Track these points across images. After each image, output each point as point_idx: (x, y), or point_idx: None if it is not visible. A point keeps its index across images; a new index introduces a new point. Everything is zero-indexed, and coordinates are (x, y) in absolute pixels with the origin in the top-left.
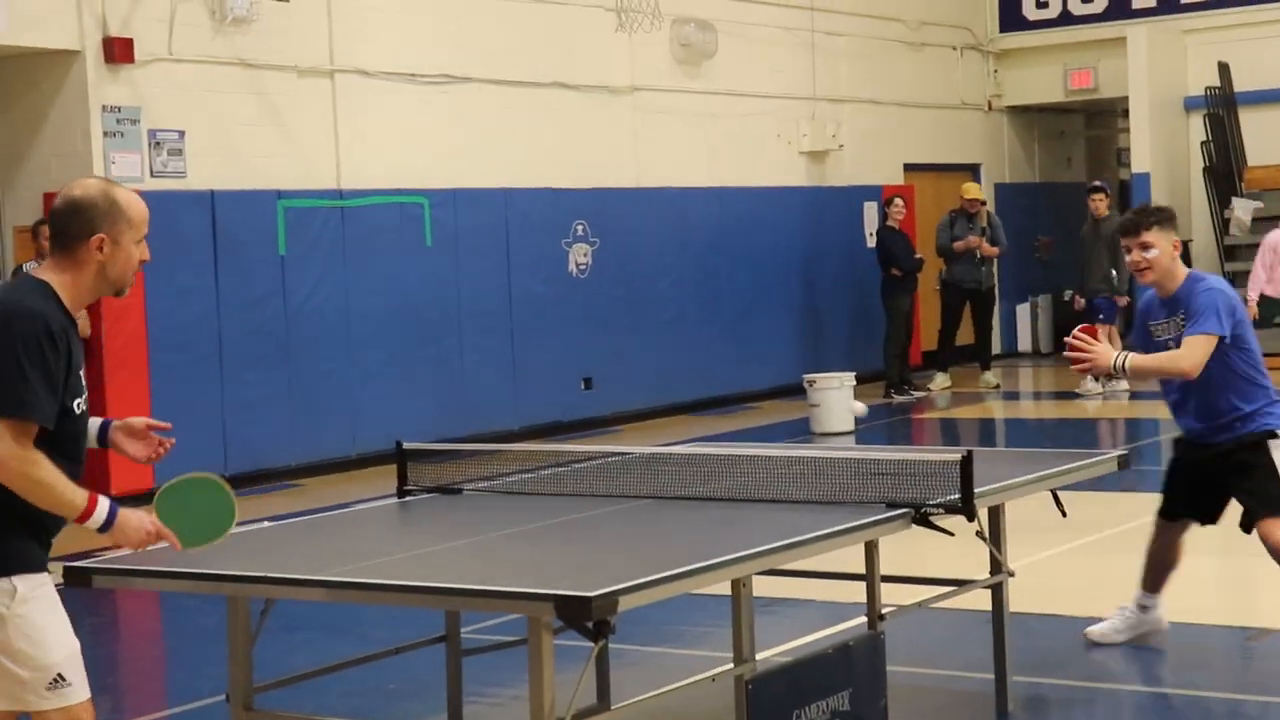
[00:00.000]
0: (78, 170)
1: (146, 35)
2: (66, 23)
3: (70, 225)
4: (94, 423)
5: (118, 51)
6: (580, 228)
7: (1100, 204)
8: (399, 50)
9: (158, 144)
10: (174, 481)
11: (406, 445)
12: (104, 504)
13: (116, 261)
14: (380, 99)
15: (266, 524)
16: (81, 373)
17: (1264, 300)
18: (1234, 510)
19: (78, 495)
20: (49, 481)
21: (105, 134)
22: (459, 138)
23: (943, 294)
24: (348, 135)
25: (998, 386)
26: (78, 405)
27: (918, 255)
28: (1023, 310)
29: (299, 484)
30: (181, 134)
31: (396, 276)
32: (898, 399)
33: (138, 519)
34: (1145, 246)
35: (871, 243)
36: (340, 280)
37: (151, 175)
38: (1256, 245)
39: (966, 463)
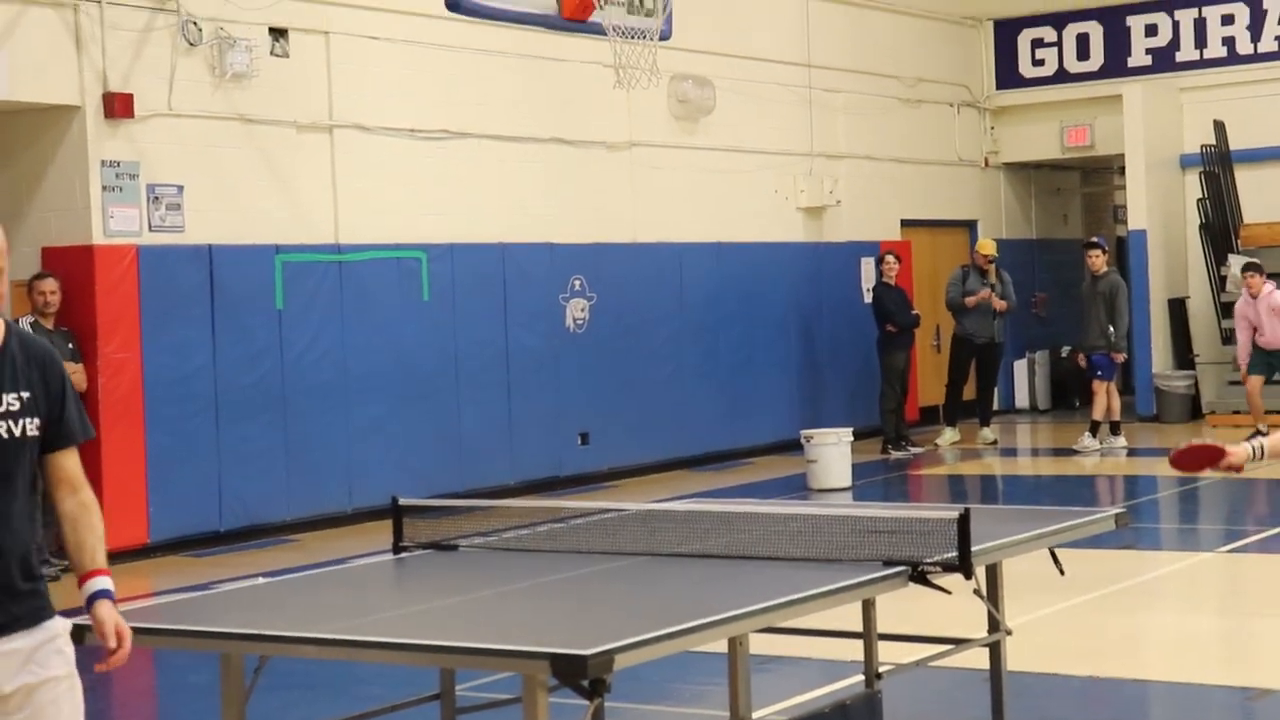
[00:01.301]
0: (76, 225)
1: (147, 91)
2: (67, 78)
3: None
4: (93, 585)
5: (118, 106)
6: (578, 283)
7: (1097, 260)
8: (398, 105)
9: (156, 198)
10: None
11: (402, 501)
12: None
13: None
14: (379, 154)
15: (261, 580)
16: None
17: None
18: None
19: None
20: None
21: (104, 188)
22: (457, 193)
23: (954, 348)
24: (346, 190)
25: (995, 442)
26: None
27: (914, 311)
28: (1020, 366)
29: (295, 539)
30: (180, 188)
31: (394, 331)
32: (895, 455)
33: None
34: None
35: (868, 298)
36: (337, 334)
37: (150, 229)
38: None
39: (964, 520)
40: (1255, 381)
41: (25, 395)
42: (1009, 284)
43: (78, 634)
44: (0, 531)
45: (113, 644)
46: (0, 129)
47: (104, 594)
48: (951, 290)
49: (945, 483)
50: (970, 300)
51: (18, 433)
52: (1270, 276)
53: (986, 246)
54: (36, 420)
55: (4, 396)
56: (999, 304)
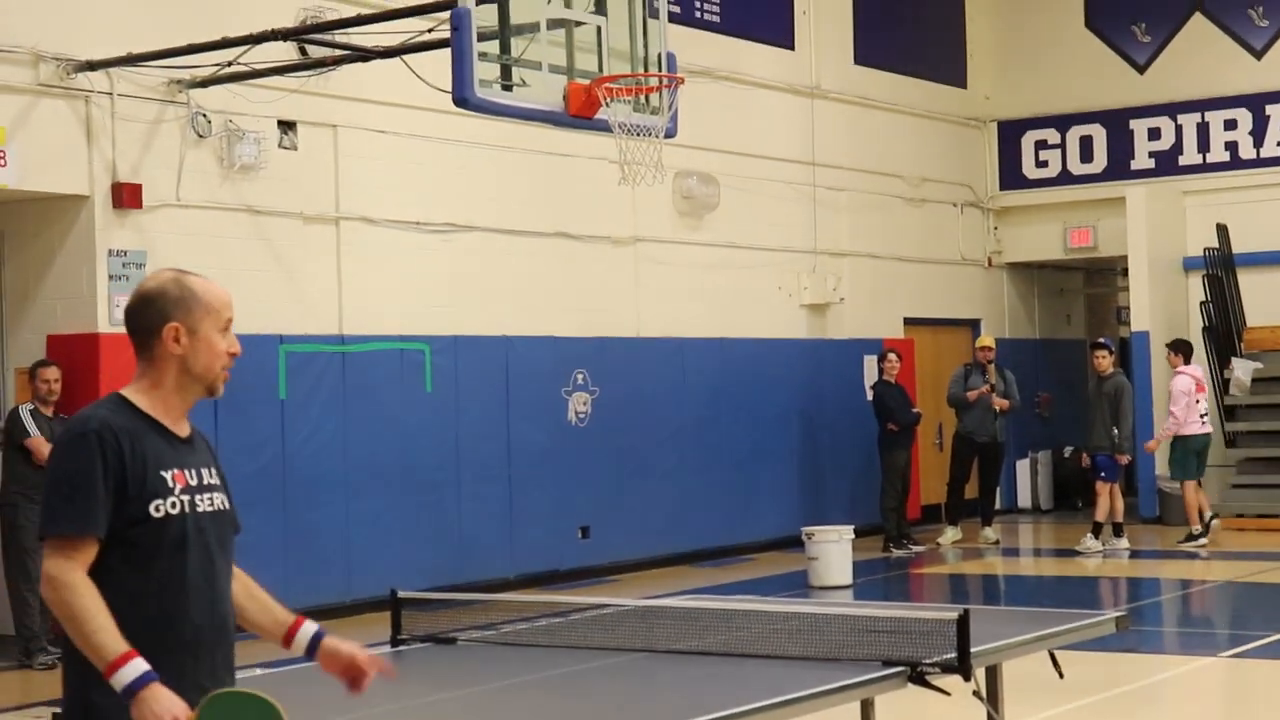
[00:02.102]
0: (83, 313)
1: (155, 181)
2: (77, 168)
3: (143, 319)
4: (307, 631)
5: (126, 197)
6: (580, 376)
7: (1103, 361)
8: (403, 198)
9: None
10: (229, 690)
11: (401, 594)
12: (135, 667)
13: (198, 353)
14: (384, 246)
15: (259, 671)
16: (178, 473)
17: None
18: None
19: (109, 642)
20: (79, 614)
21: (111, 277)
22: (461, 285)
23: (955, 447)
24: (351, 281)
25: (997, 542)
26: (158, 508)
27: (915, 409)
28: (1023, 466)
29: None
30: None
31: (396, 422)
32: (896, 553)
33: (169, 701)
34: None
35: (870, 396)
36: (340, 425)
37: None
38: (1258, 406)
39: (963, 621)
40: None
41: (217, 472)
42: (1012, 383)
43: None
44: (224, 607)
45: (371, 665)
46: (10, 217)
47: (322, 632)
48: (953, 387)
49: (946, 582)
50: (971, 394)
51: (225, 506)
52: (1274, 380)
53: (985, 341)
54: (226, 497)
55: (204, 471)
56: (1000, 402)
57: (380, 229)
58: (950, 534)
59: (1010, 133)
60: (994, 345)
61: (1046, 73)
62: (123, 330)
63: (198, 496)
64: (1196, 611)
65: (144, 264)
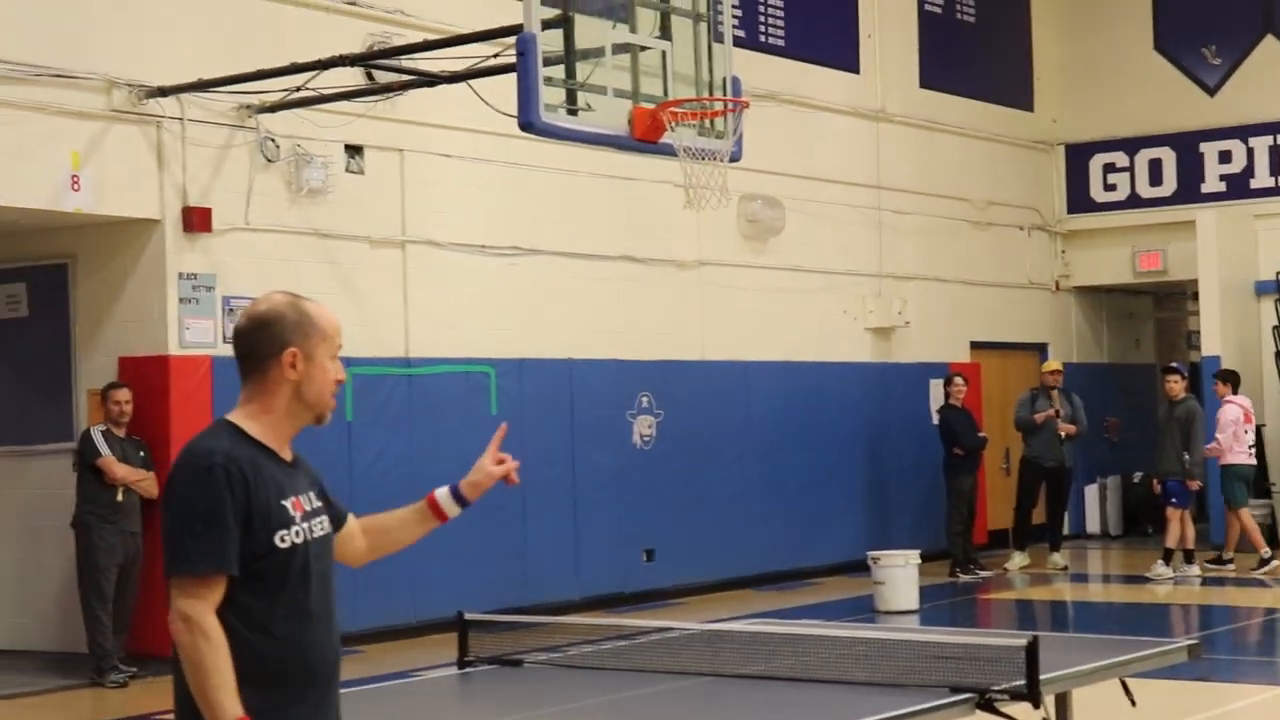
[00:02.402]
0: (153, 336)
1: (225, 205)
2: (148, 193)
3: (257, 343)
4: (442, 492)
5: (196, 221)
6: (645, 399)
7: (1175, 386)
8: (469, 221)
9: (231, 310)
10: None
11: (468, 615)
12: None
13: (313, 379)
14: (450, 269)
15: None
16: (296, 500)
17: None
18: None
19: (226, 701)
20: (206, 665)
21: (181, 300)
22: (526, 308)
23: (1022, 471)
24: (417, 304)
25: (1066, 568)
26: (283, 539)
27: (981, 434)
28: (1091, 491)
29: (360, 650)
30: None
31: (461, 444)
32: (963, 578)
33: None
34: None
35: (936, 420)
36: (405, 447)
37: (224, 341)
38: None
39: (1032, 648)
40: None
41: (318, 494)
42: (1079, 407)
43: None
44: (338, 634)
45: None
46: (83, 241)
47: (453, 484)
48: (1020, 411)
49: (1014, 608)
50: (1038, 418)
51: (328, 529)
52: None
53: (1052, 366)
54: (328, 519)
55: (311, 495)
56: (1066, 427)
57: (446, 252)
58: (1018, 559)
59: (1078, 156)
60: (1061, 369)
61: (1115, 95)
62: (194, 352)
63: (313, 522)
64: (1269, 640)
65: (213, 287)
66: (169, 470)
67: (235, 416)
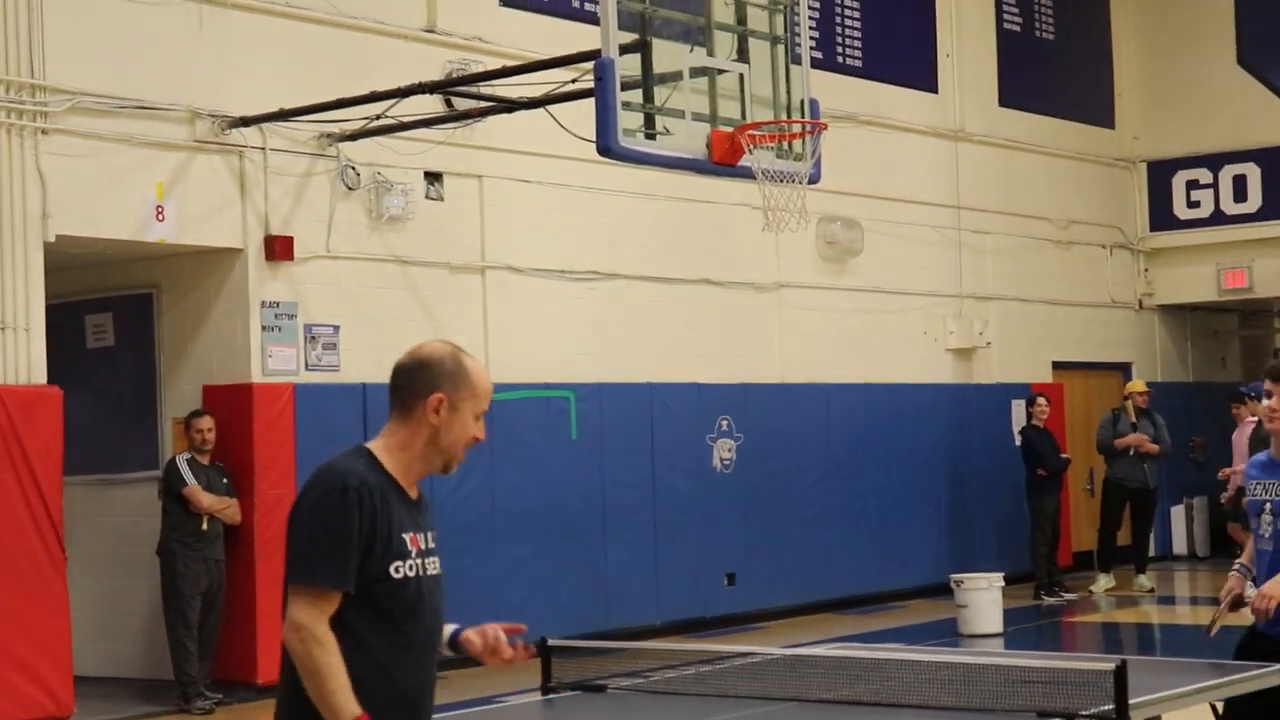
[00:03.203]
0: (236, 363)
1: (306, 233)
2: (230, 222)
3: (413, 381)
4: (447, 629)
5: (278, 249)
6: (725, 423)
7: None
8: (548, 247)
9: (313, 338)
10: None
11: (551, 641)
12: None
13: (451, 429)
14: (529, 294)
15: None
16: (414, 536)
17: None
18: None
19: (345, 703)
20: (324, 670)
21: (264, 328)
22: (606, 333)
23: (1105, 493)
24: (496, 329)
25: (1152, 590)
26: (398, 569)
27: (1064, 454)
28: (1177, 512)
29: (443, 676)
30: (336, 328)
31: (542, 469)
32: (1048, 601)
33: None
34: None
35: (1018, 441)
36: (486, 473)
37: (306, 368)
38: None
39: (1121, 672)
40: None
41: (436, 536)
42: (1163, 428)
43: None
44: (431, 672)
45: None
46: (167, 271)
47: (460, 626)
48: (1102, 433)
49: (1100, 631)
50: (1120, 442)
51: (440, 571)
52: None
53: (1135, 386)
54: (439, 561)
55: (429, 535)
56: (1150, 448)
57: (525, 278)
58: (1103, 581)
59: (1160, 173)
60: (1147, 390)
61: (1197, 111)
62: (276, 380)
63: (427, 560)
64: None
65: (295, 315)
66: (303, 484)
67: (374, 445)
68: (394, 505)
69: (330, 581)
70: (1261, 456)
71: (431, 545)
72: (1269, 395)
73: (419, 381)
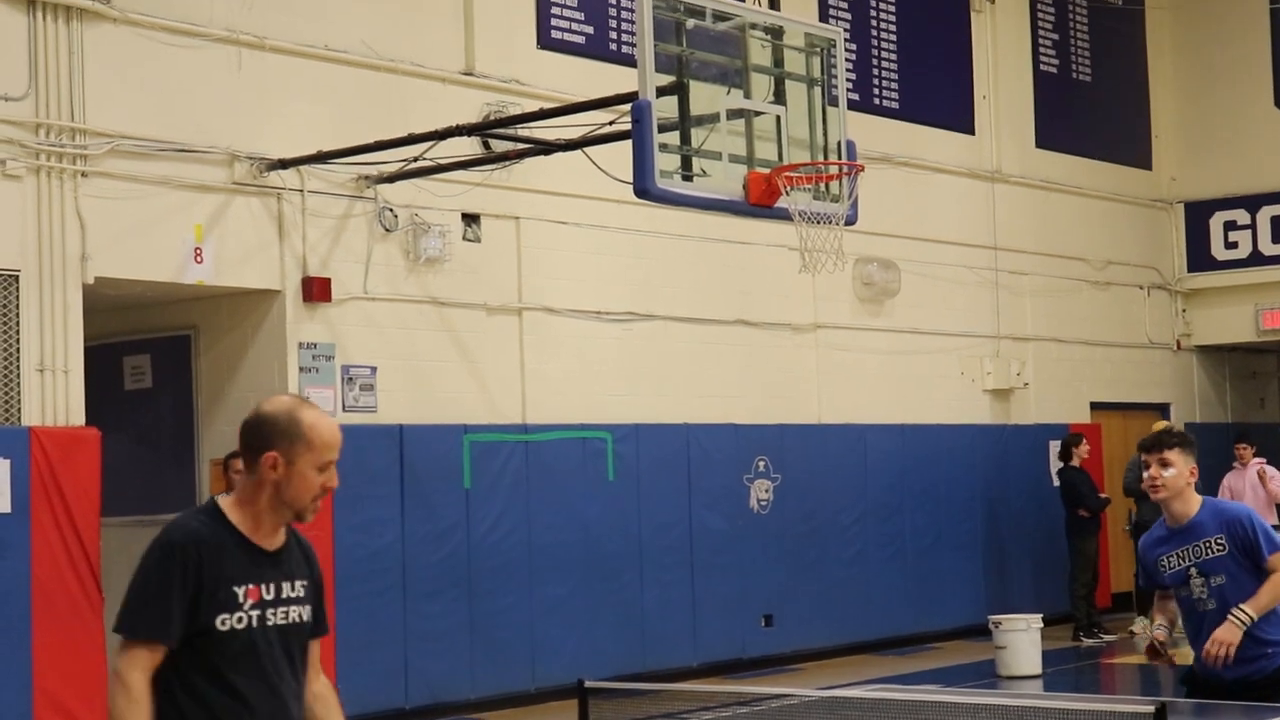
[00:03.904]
0: None
1: (343, 275)
2: (269, 264)
3: (252, 439)
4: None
5: (316, 291)
6: (762, 464)
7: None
8: (585, 288)
9: (350, 379)
10: None
11: (588, 683)
12: None
13: (291, 484)
14: (566, 335)
15: None
16: (252, 588)
17: None
18: None
19: None
20: (124, 717)
21: (301, 369)
22: (643, 373)
23: (1136, 535)
24: (533, 371)
25: None
26: (224, 622)
27: (1103, 495)
28: None
29: (478, 717)
30: (373, 370)
31: (579, 510)
32: (1087, 642)
33: None
34: (1165, 464)
35: (1056, 482)
36: (523, 513)
37: (344, 410)
38: None
39: (1160, 715)
40: None
41: (304, 584)
42: None
43: None
44: (294, 707)
45: None
46: (205, 312)
47: None
48: (1128, 475)
49: (1139, 673)
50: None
51: (303, 618)
52: None
53: (1158, 427)
54: (309, 609)
55: (286, 585)
56: None
57: (562, 318)
58: (1141, 623)
59: (1198, 214)
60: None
61: (1234, 153)
62: None
63: (270, 610)
64: None
65: (332, 356)
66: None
67: (224, 500)
68: (230, 558)
69: (144, 634)
70: (1159, 532)
71: (291, 595)
72: (1146, 466)
73: (256, 439)
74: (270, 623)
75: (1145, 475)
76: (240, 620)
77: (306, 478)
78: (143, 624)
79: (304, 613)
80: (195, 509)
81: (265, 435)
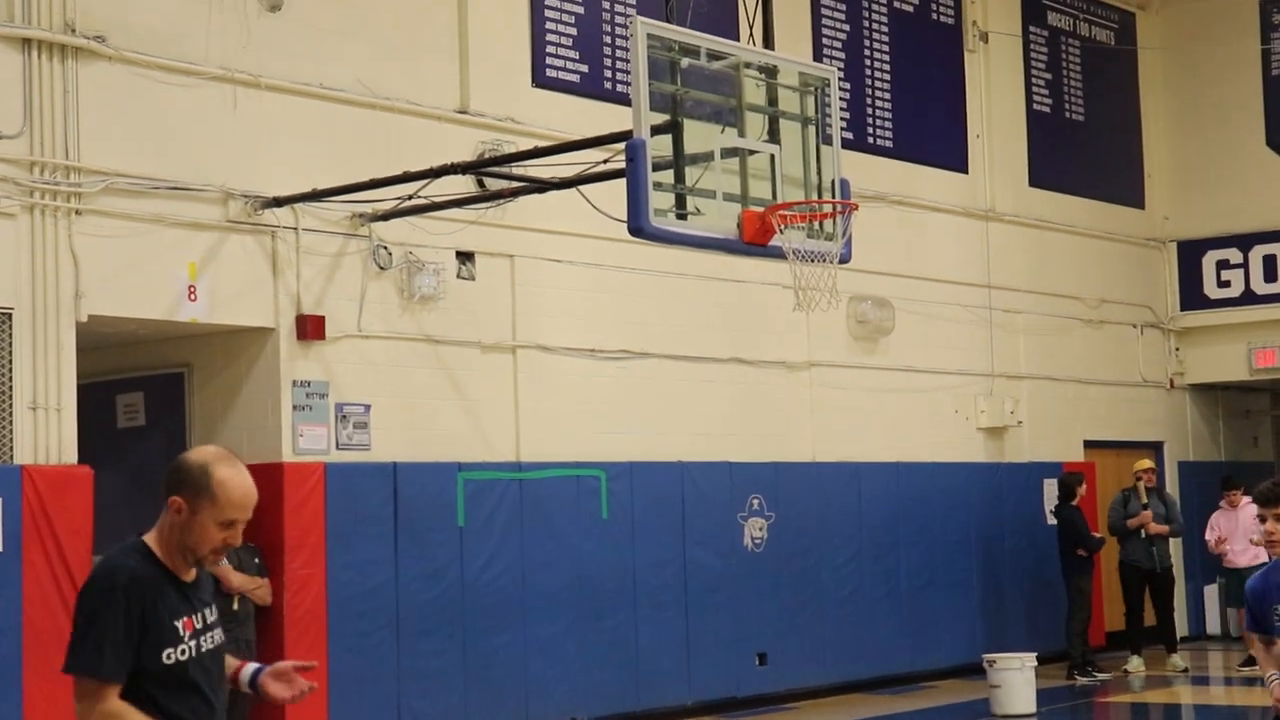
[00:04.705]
0: (267, 443)
1: (337, 313)
2: (262, 302)
3: (167, 480)
4: (249, 669)
5: (310, 329)
6: (756, 502)
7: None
8: (579, 326)
9: (344, 417)
10: None
11: None
12: None
13: (190, 531)
14: (560, 373)
15: None
16: (187, 620)
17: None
18: None
19: None
20: None
21: (295, 407)
22: (637, 411)
23: (1123, 575)
24: (527, 409)
25: (1186, 670)
26: (169, 656)
27: (1097, 534)
28: (1210, 592)
29: None
30: (367, 408)
31: (572, 549)
32: (1081, 681)
33: None
34: None
35: (1051, 520)
36: (517, 552)
37: (337, 448)
38: None
39: None
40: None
41: (213, 609)
42: (1174, 505)
43: None
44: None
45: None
46: (198, 350)
47: (263, 666)
48: (1112, 515)
49: (1133, 711)
50: (1131, 522)
51: (220, 640)
52: None
53: (1141, 465)
54: (221, 630)
55: (206, 612)
56: (1155, 528)
57: (556, 356)
58: (1135, 663)
59: (1191, 253)
60: (1153, 468)
61: (1227, 192)
62: (307, 459)
63: (202, 638)
64: None
65: (326, 394)
66: (86, 578)
67: (148, 537)
68: (166, 595)
69: (96, 673)
70: (1275, 578)
71: (211, 621)
72: (1262, 520)
73: (170, 481)
74: (204, 649)
75: (1262, 529)
76: (184, 652)
77: (207, 529)
78: (92, 664)
79: (220, 634)
80: (125, 547)
81: (178, 480)
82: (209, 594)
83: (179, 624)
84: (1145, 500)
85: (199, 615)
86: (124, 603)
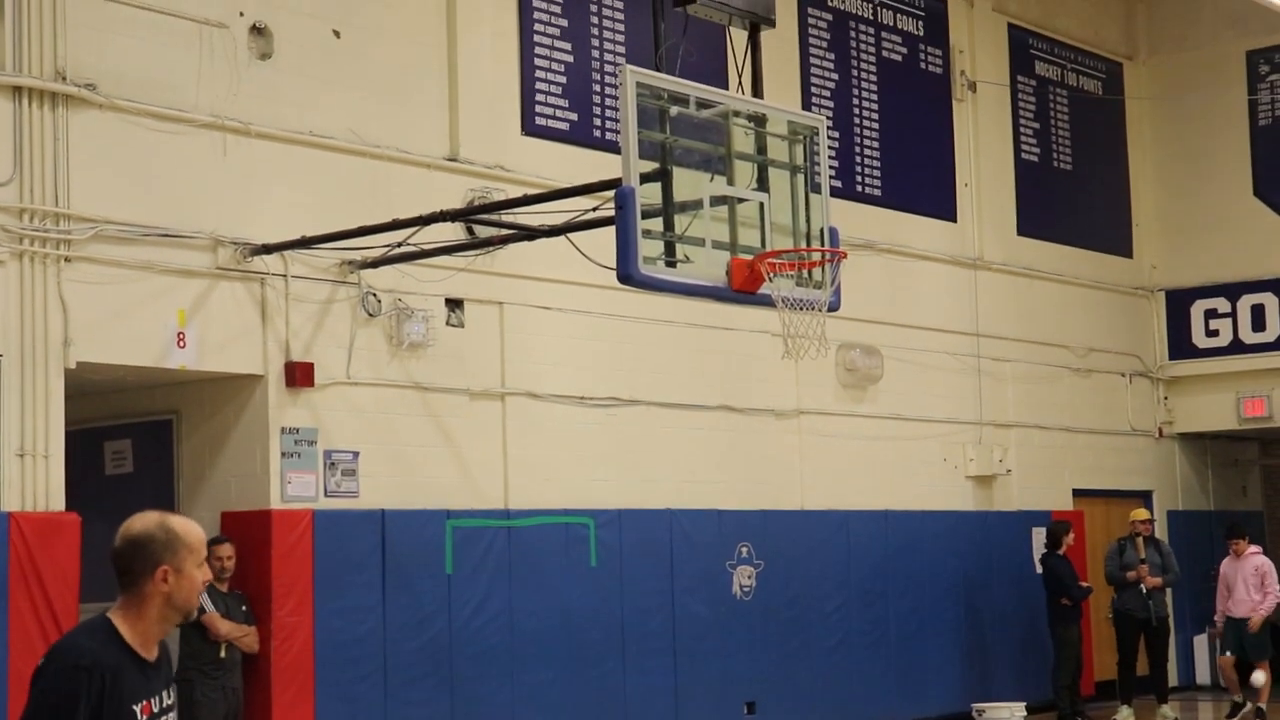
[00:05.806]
0: (256, 490)
1: (326, 360)
2: (251, 349)
3: (133, 563)
4: None
5: (299, 376)
6: (744, 549)
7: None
8: (568, 373)
9: (333, 464)
10: None
11: None
12: None
13: (182, 589)
14: (548, 421)
15: None
16: (145, 704)
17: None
18: None
19: None
20: None
21: (283, 454)
22: (626, 459)
23: (1116, 624)
24: (516, 456)
25: None
26: None
27: (1085, 583)
28: (1200, 641)
29: None
30: (356, 455)
31: (561, 596)
32: None
33: None
34: None
35: (1039, 569)
36: (505, 599)
37: (325, 495)
38: None
39: None
40: (1226, 661)
41: (171, 690)
42: (1169, 555)
43: None
44: None
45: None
46: (187, 397)
47: None
48: (1109, 564)
49: None
50: (1131, 575)
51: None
52: None
53: (1138, 515)
54: (176, 711)
55: (164, 694)
56: (1152, 580)
57: (545, 404)
58: (1124, 714)
59: (1179, 302)
60: (1150, 518)
61: (1215, 242)
62: (295, 506)
63: None
64: None
65: (315, 441)
66: (43, 655)
67: (114, 616)
68: (127, 679)
69: None
70: None
71: (169, 703)
72: None
73: (139, 561)
74: None
75: None
76: None
77: (193, 578)
78: None
79: (175, 718)
80: (88, 626)
81: (152, 554)
82: (168, 675)
83: (137, 708)
84: (1143, 555)
85: (157, 698)
86: (83, 686)
